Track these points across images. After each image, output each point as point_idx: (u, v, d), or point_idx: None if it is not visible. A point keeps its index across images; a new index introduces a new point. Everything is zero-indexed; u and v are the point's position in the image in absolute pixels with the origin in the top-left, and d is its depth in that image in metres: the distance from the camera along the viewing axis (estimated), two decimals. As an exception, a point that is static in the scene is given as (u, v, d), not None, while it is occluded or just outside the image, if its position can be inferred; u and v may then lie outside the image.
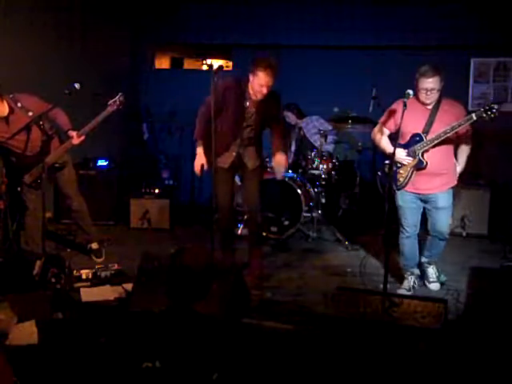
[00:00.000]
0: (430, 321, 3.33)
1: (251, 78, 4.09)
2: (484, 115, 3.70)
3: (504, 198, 6.12)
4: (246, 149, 4.40)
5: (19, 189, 4.66)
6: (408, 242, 4.35)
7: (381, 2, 6.77)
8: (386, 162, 4.30)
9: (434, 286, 4.39)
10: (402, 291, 4.35)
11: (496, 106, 3.66)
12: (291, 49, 7.20)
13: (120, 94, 4.62)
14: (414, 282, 4.42)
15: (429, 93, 3.94)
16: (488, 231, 5.92)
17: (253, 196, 4.49)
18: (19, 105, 4.46)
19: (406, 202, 4.24)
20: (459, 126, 3.86)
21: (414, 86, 3.98)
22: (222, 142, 4.19)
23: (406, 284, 4.41)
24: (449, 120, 3.94)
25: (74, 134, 4.59)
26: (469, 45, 6.57)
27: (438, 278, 4.40)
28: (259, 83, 4.05)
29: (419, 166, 4.08)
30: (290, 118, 6.56)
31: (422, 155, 4.05)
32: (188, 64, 8.69)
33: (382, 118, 4.29)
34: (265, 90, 4.07)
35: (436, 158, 4.06)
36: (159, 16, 7.36)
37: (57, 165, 4.68)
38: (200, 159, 4.27)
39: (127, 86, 7.26)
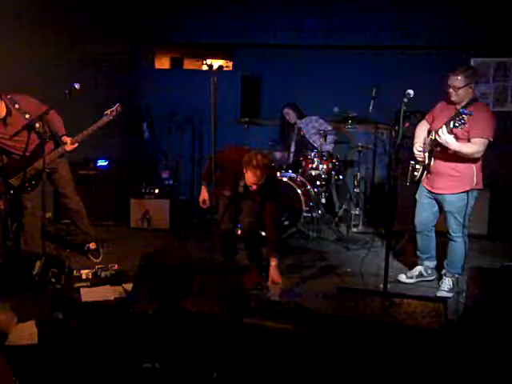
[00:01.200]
0: (430, 321, 3.34)
1: (244, 170, 4.15)
2: (457, 124, 3.75)
3: (504, 198, 6.11)
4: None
5: (12, 192, 4.61)
6: (418, 236, 4.52)
7: (381, 2, 6.77)
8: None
9: (440, 293, 4.38)
10: (401, 276, 4.58)
11: (466, 118, 3.70)
12: (291, 49, 7.20)
13: (117, 103, 4.56)
14: (421, 274, 4.57)
15: (451, 89, 4.03)
16: (488, 231, 5.92)
17: (247, 216, 4.52)
18: (17, 106, 4.39)
19: (420, 197, 4.39)
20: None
21: None
22: (222, 189, 4.42)
23: (411, 272, 4.62)
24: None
25: (68, 140, 4.54)
26: (469, 45, 6.57)
27: (450, 289, 4.36)
28: (249, 180, 4.14)
29: (424, 164, 4.21)
30: (290, 115, 6.55)
31: (430, 153, 4.14)
32: (188, 64, 8.71)
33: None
34: (254, 187, 4.17)
35: (447, 158, 4.09)
36: (159, 16, 7.36)
37: (47, 170, 4.53)
38: (203, 195, 4.59)
39: (127, 86, 7.27)
